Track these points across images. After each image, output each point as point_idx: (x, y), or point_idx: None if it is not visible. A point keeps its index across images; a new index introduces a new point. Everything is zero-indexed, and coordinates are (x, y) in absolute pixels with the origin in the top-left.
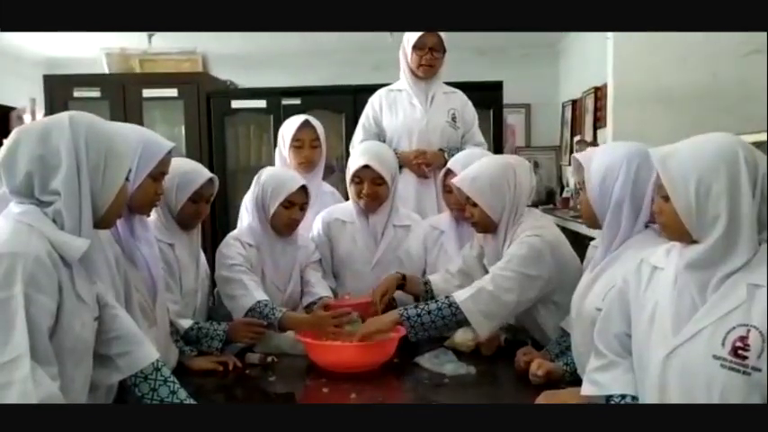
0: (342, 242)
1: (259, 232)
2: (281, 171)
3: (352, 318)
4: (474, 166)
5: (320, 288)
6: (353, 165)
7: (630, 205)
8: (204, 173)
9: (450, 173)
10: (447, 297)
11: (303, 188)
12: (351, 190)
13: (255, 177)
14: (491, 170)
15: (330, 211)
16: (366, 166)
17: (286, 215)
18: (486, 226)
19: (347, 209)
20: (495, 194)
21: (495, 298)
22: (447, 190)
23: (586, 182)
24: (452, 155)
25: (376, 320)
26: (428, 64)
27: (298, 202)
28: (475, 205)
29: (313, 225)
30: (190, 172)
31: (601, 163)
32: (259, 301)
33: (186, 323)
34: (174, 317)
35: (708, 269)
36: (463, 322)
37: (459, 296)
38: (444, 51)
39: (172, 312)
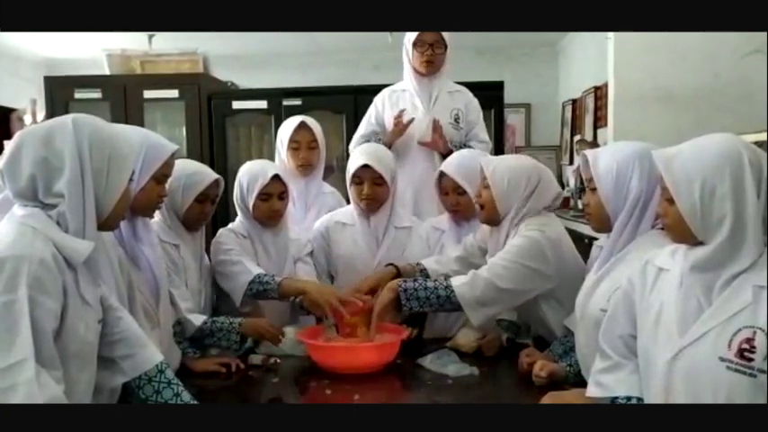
0: (342, 244)
1: (248, 225)
2: (254, 164)
3: (329, 323)
4: (507, 155)
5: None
6: (353, 165)
7: (644, 203)
8: (210, 174)
9: (443, 175)
10: (446, 278)
11: (278, 177)
12: (351, 191)
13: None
14: (517, 164)
15: (330, 216)
16: (366, 166)
17: (266, 207)
18: (491, 215)
19: (347, 211)
20: (510, 186)
21: (491, 285)
22: (444, 192)
23: (596, 182)
24: (456, 146)
25: (379, 298)
26: (429, 60)
27: (274, 193)
28: (487, 188)
29: (313, 229)
30: (196, 173)
31: (611, 161)
32: (257, 275)
33: (199, 319)
34: (186, 313)
35: (713, 271)
36: (456, 306)
37: (456, 281)
38: (446, 47)
39: (185, 309)
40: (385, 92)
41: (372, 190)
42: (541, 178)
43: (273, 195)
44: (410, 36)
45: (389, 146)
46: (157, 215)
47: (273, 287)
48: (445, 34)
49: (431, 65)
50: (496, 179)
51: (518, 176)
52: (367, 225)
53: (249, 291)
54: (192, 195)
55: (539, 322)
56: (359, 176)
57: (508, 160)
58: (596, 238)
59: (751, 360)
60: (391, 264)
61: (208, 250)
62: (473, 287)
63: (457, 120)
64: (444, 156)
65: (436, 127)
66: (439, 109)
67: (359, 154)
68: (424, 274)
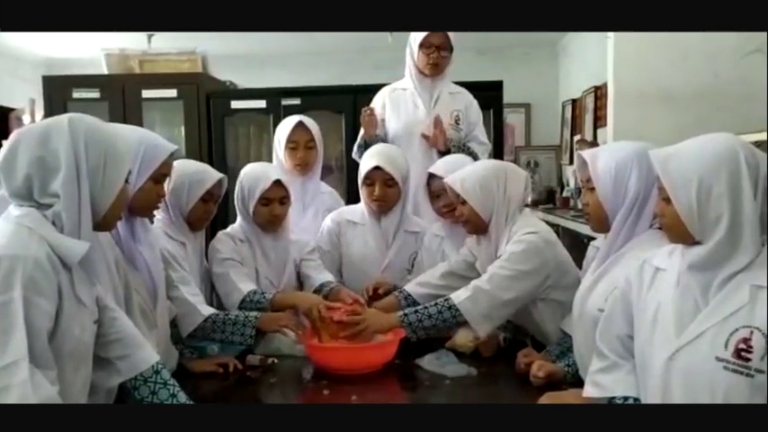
0: (353, 244)
1: (247, 229)
2: (256, 168)
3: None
4: (468, 167)
5: (323, 275)
6: (365, 166)
7: (642, 203)
8: (214, 173)
9: (433, 177)
10: (446, 300)
11: (279, 182)
12: (362, 192)
13: (238, 175)
14: (482, 171)
15: (340, 212)
16: (377, 168)
17: (267, 211)
18: (476, 225)
19: (357, 210)
20: (483, 193)
21: (494, 297)
22: (434, 195)
23: (595, 182)
24: (455, 145)
25: (376, 321)
26: (435, 63)
27: (275, 198)
28: (464, 203)
29: (322, 225)
30: (200, 172)
31: (610, 160)
32: (248, 293)
33: (207, 309)
34: (199, 305)
35: (710, 270)
36: (463, 322)
37: (458, 297)
38: (451, 50)
39: (196, 302)
40: (385, 90)
41: (384, 191)
42: (506, 172)
43: (274, 200)
44: (416, 36)
45: (367, 143)
46: (162, 213)
47: (266, 305)
48: (451, 36)
49: (436, 67)
50: (469, 191)
51: (487, 180)
52: (378, 226)
53: (242, 309)
54: (198, 195)
55: (535, 326)
56: (370, 178)
57: (471, 170)
58: (594, 237)
59: (748, 360)
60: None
61: (205, 249)
62: (476, 302)
63: (457, 121)
64: (442, 154)
65: (437, 123)
66: (440, 109)
67: (370, 155)
68: (409, 300)
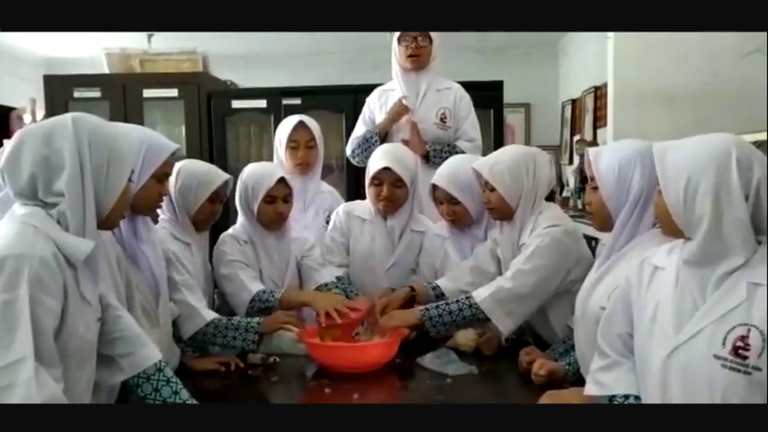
0: (360, 239)
1: (250, 229)
2: (259, 167)
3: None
4: (496, 152)
5: (321, 274)
6: (373, 167)
7: (645, 202)
8: (222, 174)
9: (436, 188)
10: (467, 297)
11: (283, 180)
12: (369, 192)
13: (240, 175)
14: (511, 157)
15: (351, 206)
16: (386, 168)
17: (271, 210)
18: (503, 212)
19: (366, 208)
20: (513, 180)
21: (515, 295)
22: (438, 202)
23: (598, 180)
24: (435, 149)
25: (399, 315)
26: (414, 54)
27: (279, 196)
28: (493, 190)
29: (332, 217)
30: (208, 173)
31: (613, 160)
32: (257, 293)
33: (210, 314)
34: (202, 309)
35: (706, 267)
36: (485, 320)
37: (479, 295)
38: (430, 41)
39: (199, 306)
40: (375, 92)
41: (391, 192)
42: (536, 158)
43: (278, 198)
44: (396, 34)
45: (384, 133)
46: (167, 214)
47: (274, 304)
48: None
49: (417, 59)
50: (497, 178)
51: (517, 167)
52: (384, 225)
53: (251, 308)
54: (205, 195)
55: (544, 322)
56: (378, 178)
57: (500, 156)
58: (596, 238)
59: (745, 358)
60: (409, 285)
61: (210, 251)
62: (498, 299)
63: (443, 119)
64: (422, 156)
65: (414, 129)
66: (425, 108)
67: (379, 156)
68: (437, 291)
